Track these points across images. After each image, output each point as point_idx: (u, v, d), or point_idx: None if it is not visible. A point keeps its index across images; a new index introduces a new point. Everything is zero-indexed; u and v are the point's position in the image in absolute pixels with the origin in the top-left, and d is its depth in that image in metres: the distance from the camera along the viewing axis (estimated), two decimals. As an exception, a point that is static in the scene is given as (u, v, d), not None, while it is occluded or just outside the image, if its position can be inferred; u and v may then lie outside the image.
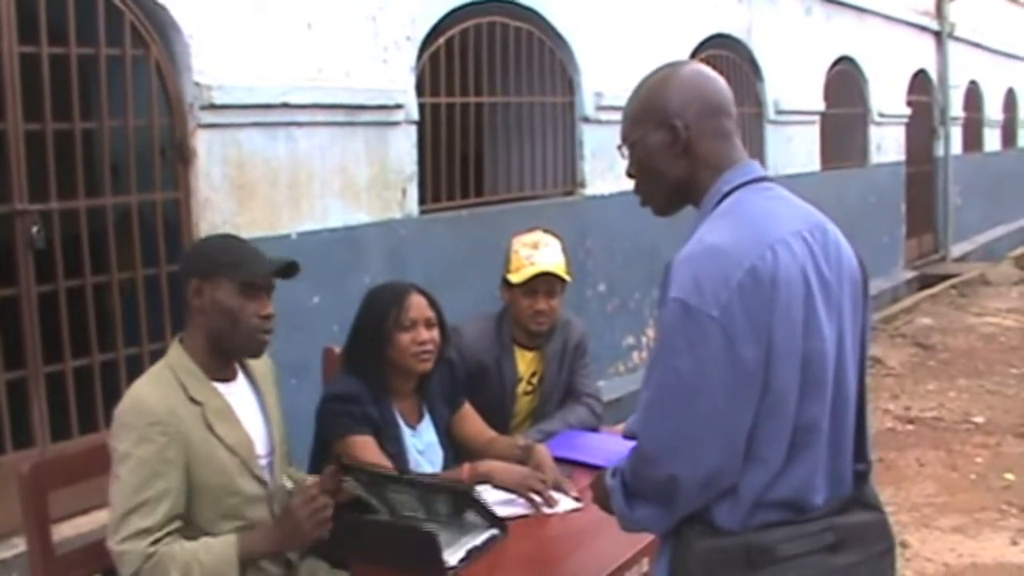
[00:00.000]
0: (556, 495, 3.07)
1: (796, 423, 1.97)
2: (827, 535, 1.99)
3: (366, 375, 3.25)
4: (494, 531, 2.84)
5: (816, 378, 1.98)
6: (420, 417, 3.39)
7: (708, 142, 2.11)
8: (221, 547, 2.62)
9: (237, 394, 2.81)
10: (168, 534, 2.57)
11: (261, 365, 2.94)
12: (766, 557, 1.95)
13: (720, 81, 2.18)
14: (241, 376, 2.86)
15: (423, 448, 3.34)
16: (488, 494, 3.04)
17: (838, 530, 2.00)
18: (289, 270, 2.79)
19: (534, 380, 3.97)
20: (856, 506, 2.06)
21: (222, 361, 2.79)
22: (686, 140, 2.10)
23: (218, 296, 2.70)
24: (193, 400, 2.68)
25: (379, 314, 3.28)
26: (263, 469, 2.80)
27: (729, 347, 1.90)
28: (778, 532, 1.97)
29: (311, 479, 2.91)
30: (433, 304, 3.34)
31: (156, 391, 2.66)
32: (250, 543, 2.66)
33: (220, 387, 2.77)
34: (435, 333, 3.31)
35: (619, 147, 2.22)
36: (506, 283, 3.87)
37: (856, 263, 2.13)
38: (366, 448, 3.11)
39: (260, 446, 2.81)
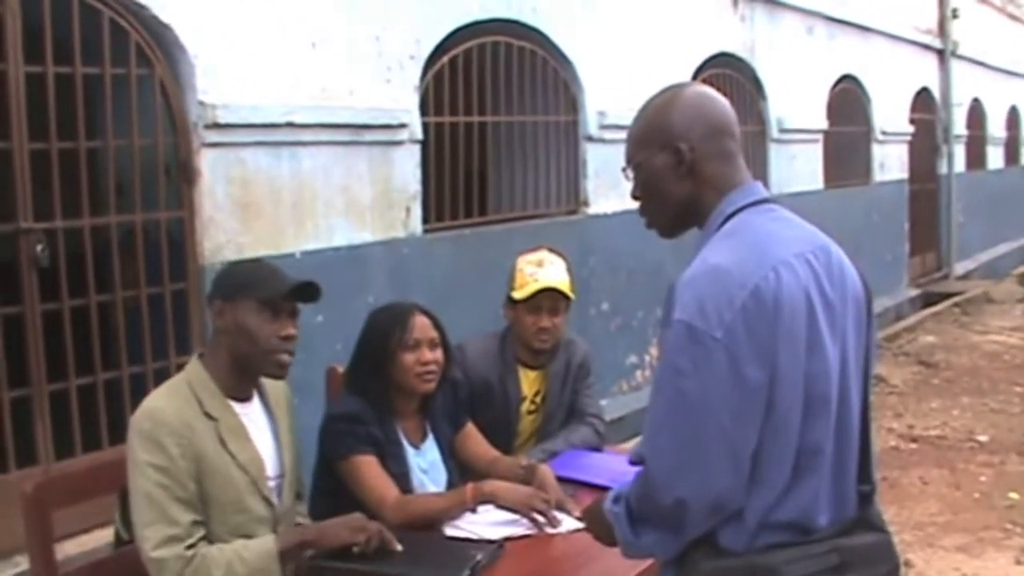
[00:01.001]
0: (559, 515, 3.06)
1: (800, 444, 1.97)
2: (832, 556, 1.98)
3: (369, 395, 3.25)
4: (494, 546, 2.84)
5: (819, 399, 1.98)
6: (424, 436, 3.38)
7: (712, 164, 2.11)
8: (260, 543, 2.66)
9: (251, 415, 2.84)
10: (199, 540, 2.61)
11: (277, 390, 2.96)
12: (771, 578, 1.95)
13: (723, 102, 2.19)
14: (257, 399, 2.88)
15: (427, 467, 3.34)
16: (491, 514, 3.05)
17: (843, 551, 1.99)
18: (308, 290, 2.81)
19: (537, 399, 3.97)
20: (861, 527, 2.06)
21: (241, 381, 2.82)
22: (690, 162, 2.10)
23: (239, 316, 2.74)
24: (208, 415, 2.71)
25: (383, 334, 3.28)
26: (271, 491, 2.82)
27: (734, 368, 1.90)
28: (783, 553, 1.96)
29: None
30: (437, 324, 3.34)
31: (172, 403, 2.69)
32: (288, 536, 2.72)
33: (235, 406, 2.79)
34: (438, 354, 3.30)
35: (623, 169, 2.23)
36: (510, 300, 3.87)
37: (860, 283, 2.13)
38: (370, 468, 3.11)
39: (270, 468, 2.83)
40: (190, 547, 2.58)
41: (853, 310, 2.08)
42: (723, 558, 1.99)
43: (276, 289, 2.77)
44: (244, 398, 2.84)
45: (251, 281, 2.78)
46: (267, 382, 2.92)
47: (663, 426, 1.97)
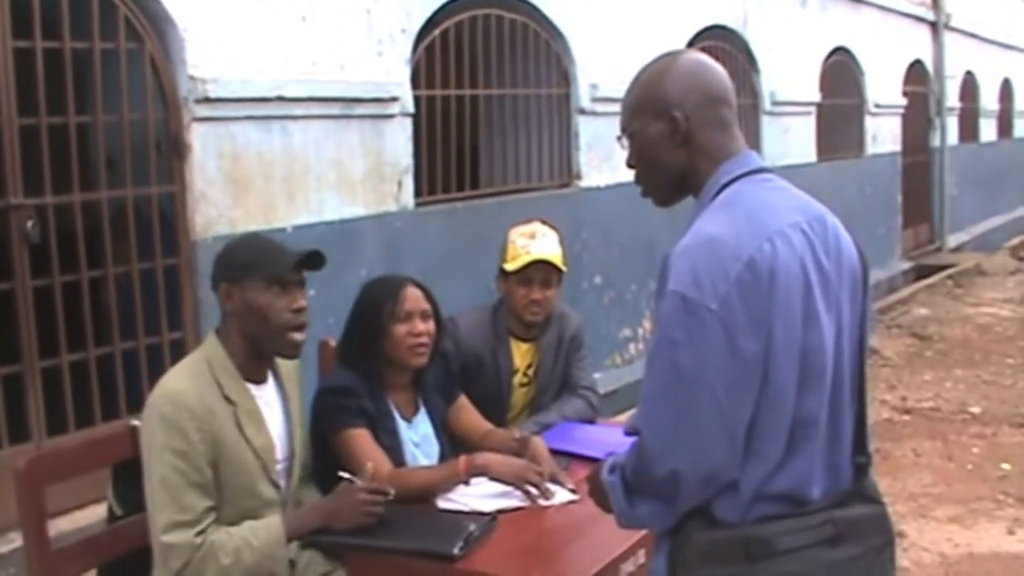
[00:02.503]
0: (552, 487, 3.05)
1: (795, 416, 1.96)
2: (826, 528, 1.97)
3: (362, 368, 3.24)
4: (487, 518, 2.84)
5: (814, 371, 1.97)
6: (416, 410, 3.38)
7: (707, 132, 2.09)
8: (268, 529, 2.65)
9: (266, 397, 2.83)
10: (209, 525, 2.60)
11: (289, 365, 2.94)
12: (765, 550, 1.94)
13: (720, 70, 2.16)
14: (271, 379, 2.87)
15: (419, 441, 3.34)
16: (484, 486, 3.05)
17: (837, 523, 1.99)
18: (313, 260, 2.79)
19: (530, 372, 3.96)
20: (856, 499, 2.05)
21: (258, 362, 2.81)
22: (685, 130, 2.08)
23: (248, 297, 2.73)
24: (228, 399, 2.69)
25: (375, 307, 3.27)
26: (279, 474, 2.81)
27: (729, 340, 1.89)
28: (777, 525, 1.96)
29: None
30: (429, 297, 3.33)
31: (193, 385, 2.66)
32: (296, 521, 2.70)
33: (252, 389, 2.78)
34: (431, 326, 3.29)
35: (619, 138, 2.21)
36: (502, 272, 3.86)
37: (856, 254, 2.11)
38: (362, 441, 3.10)
39: (279, 451, 2.82)
40: (200, 533, 2.56)
41: (849, 280, 2.07)
42: (718, 529, 1.98)
43: (282, 264, 2.75)
44: (260, 380, 2.82)
45: (254, 260, 2.75)
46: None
47: (658, 397, 1.96)
